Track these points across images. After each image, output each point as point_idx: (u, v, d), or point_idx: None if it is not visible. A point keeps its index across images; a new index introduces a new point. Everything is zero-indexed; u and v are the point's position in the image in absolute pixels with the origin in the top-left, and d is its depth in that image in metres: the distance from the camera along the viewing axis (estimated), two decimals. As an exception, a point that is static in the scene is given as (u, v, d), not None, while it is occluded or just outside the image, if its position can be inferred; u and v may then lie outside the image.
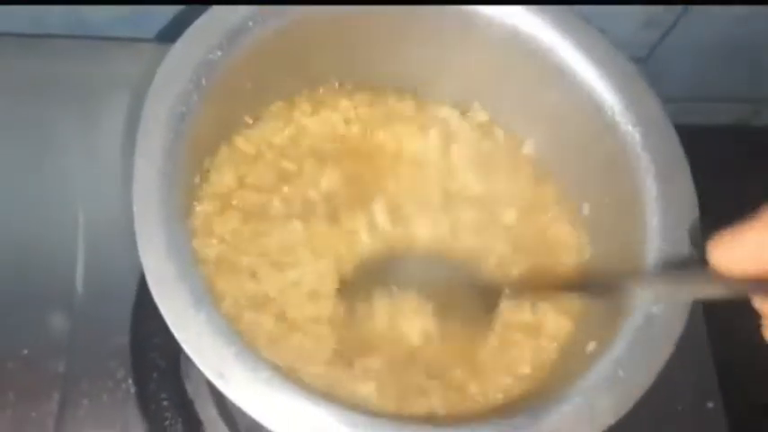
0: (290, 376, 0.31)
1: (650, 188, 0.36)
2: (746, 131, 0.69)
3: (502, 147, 0.42)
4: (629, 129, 0.37)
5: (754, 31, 0.57)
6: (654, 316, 0.32)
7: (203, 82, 0.34)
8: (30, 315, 0.43)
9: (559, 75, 0.38)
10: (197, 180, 0.37)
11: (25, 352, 0.42)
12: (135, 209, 0.30)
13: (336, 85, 0.42)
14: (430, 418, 0.35)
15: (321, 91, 0.41)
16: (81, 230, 0.45)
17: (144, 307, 0.43)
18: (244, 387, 0.29)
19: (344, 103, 0.41)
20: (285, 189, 0.39)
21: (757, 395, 0.47)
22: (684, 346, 0.33)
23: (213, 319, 0.30)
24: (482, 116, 0.43)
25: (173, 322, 0.29)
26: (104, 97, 0.49)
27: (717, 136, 0.62)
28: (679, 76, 0.61)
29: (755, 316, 0.30)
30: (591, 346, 0.34)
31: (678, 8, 0.54)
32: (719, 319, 0.48)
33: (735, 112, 0.69)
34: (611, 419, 0.30)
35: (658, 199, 0.35)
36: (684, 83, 0.63)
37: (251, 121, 0.39)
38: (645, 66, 0.59)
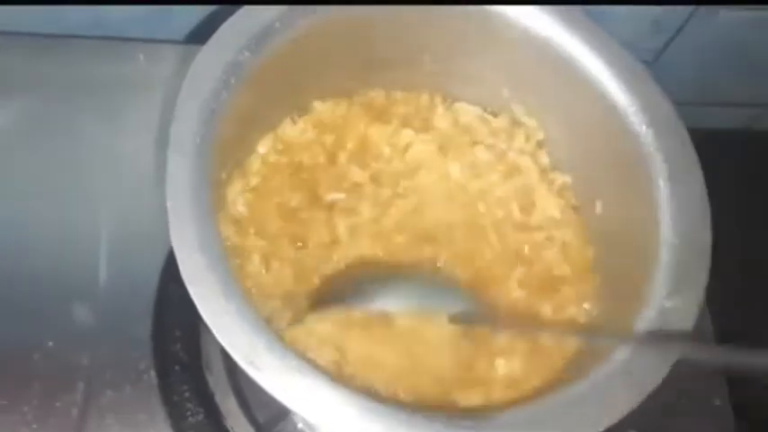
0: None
1: (663, 188, 0.37)
2: (750, 135, 0.70)
3: (518, 151, 0.44)
4: (642, 129, 0.38)
5: (758, 35, 0.58)
6: (667, 309, 0.34)
7: (232, 81, 0.35)
8: (55, 308, 0.44)
9: (574, 76, 0.39)
10: (224, 176, 0.38)
11: (50, 344, 0.43)
12: (168, 203, 0.31)
13: (361, 84, 0.43)
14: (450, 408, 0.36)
15: (348, 91, 0.42)
16: (104, 226, 0.46)
17: (166, 300, 0.44)
18: (274, 374, 0.30)
19: (368, 103, 0.42)
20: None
21: (764, 392, 0.48)
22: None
23: (243, 309, 0.31)
24: (501, 118, 0.44)
25: (205, 312, 0.30)
26: (131, 97, 0.50)
27: (720, 140, 0.63)
28: (684, 80, 0.62)
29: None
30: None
31: (685, 13, 0.55)
32: (727, 317, 0.49)
33: (738, 116, 0.69)
34: (622, 411, 0.31)
35: (670, 199, 0.36)
36: (689, 87, 0.63)
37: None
38: (651, 70, 0.60)
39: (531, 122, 0.43)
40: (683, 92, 0.64)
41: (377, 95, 0.43)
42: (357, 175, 0.41)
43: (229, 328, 0.30)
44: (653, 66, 0.60)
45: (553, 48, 0.40)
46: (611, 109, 0.39)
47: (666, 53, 0.59)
